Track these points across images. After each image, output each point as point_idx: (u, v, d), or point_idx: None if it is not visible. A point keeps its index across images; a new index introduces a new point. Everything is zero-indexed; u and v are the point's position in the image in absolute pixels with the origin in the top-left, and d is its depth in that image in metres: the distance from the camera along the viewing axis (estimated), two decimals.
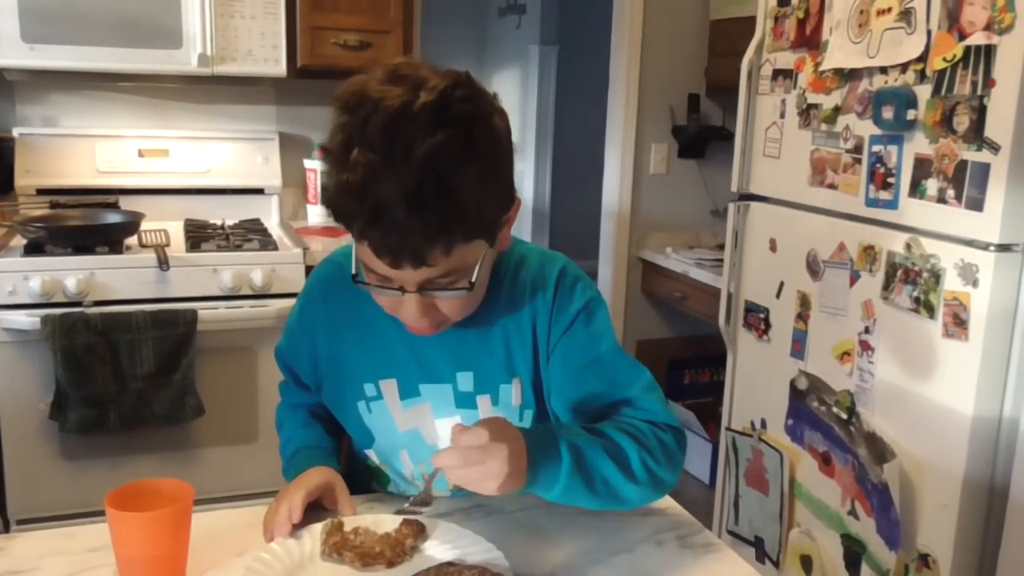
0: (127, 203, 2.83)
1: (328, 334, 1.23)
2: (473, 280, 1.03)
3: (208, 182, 2.99)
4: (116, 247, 2.48)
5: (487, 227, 1.02)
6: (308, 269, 2.57)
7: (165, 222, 2.81)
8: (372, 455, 1.27)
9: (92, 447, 2.42)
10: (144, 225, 2.61)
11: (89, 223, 2.62)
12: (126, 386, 2.37)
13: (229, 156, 3.01)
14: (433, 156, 0.91)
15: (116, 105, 2.96)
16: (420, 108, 0.92)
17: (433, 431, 1.21)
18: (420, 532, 1.09)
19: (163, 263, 2.41)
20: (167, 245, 2.54)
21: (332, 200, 0.97)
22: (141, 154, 2.91)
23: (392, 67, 0.97)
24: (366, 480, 1.32)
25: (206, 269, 2.48)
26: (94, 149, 2.87)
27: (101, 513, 0.98)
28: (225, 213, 3.01)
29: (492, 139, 0.98)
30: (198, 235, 2.70)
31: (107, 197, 2.84)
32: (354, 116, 0.94)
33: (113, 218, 2.66)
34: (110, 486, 1.00)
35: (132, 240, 2.57)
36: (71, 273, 2.35)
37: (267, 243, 2.64)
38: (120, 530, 0.98)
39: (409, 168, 0.90)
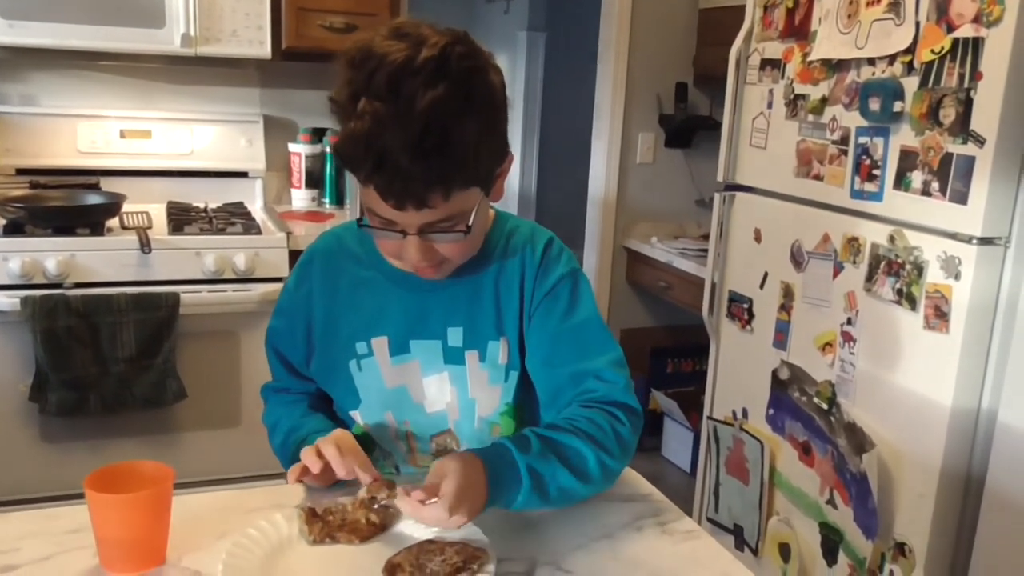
0: (108, 184, 2.80)
1: (324, 297, 1.27)
2: (469, 224, 1.09)
3: (191, 164, 2.97)
4: (97, 229, 2.46)
5: (484, 176, 1.09)
6: (292, 253, 2.56)
7: (147, 204, 2.79)
8: (357, 416, 1.28)
9: (72, 429, 2.41)
10: (126, 207, 2.59)
11: (70, 204, 2.59)
12: (107, 369, 2.35)
13: (212, 138, 2.99)
14: (435, 107, 0.97)
15: (98, 85, 2.93)
16: (422, 63, 0.98)
17: (420, 388, 1.24)
18: (391, 487, 1.09)
19: (145, 246, 2.39)
20: (149, 228, 2.52)
21: (340, 148, 1.03)
22: (123, 135, 2.88)
23: (395, 25, 1.04)
24: None
25: (189, 252, 2.47)
26: (75, 129, 2.84)
27: (81, 496, 0.98)
28: (208, 196, 2.98)
29: (489, 93, 1.04)
30: (181, 218, 2.67)
31: (88, 178, 2.81)
32: (360, 70, 1.00)
33: (94, 199, 2.63)
34: (90, 468, 0.99)
35: (113, 222, 2.55)
36: (51, 254, 2.32)
37: (250, 227, 2.63)
38: (100, 512, 0.97)
39: (412, 118, 0.97)
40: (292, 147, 3.08)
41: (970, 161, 1.74)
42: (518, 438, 1.10)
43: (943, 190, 1.81)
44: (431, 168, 0.99)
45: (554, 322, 1.20)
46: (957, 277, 1.79)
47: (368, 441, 1.29)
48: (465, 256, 1.17)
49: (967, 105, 1.74)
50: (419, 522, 1.04)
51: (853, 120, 2.03)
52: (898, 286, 1.91)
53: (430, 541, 1.04)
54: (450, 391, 1.24)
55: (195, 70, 2.98)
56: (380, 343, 1.23)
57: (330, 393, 1.31)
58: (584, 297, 1.23)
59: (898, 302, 1.91)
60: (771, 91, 2.33)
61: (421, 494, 0.99)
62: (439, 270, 1.16)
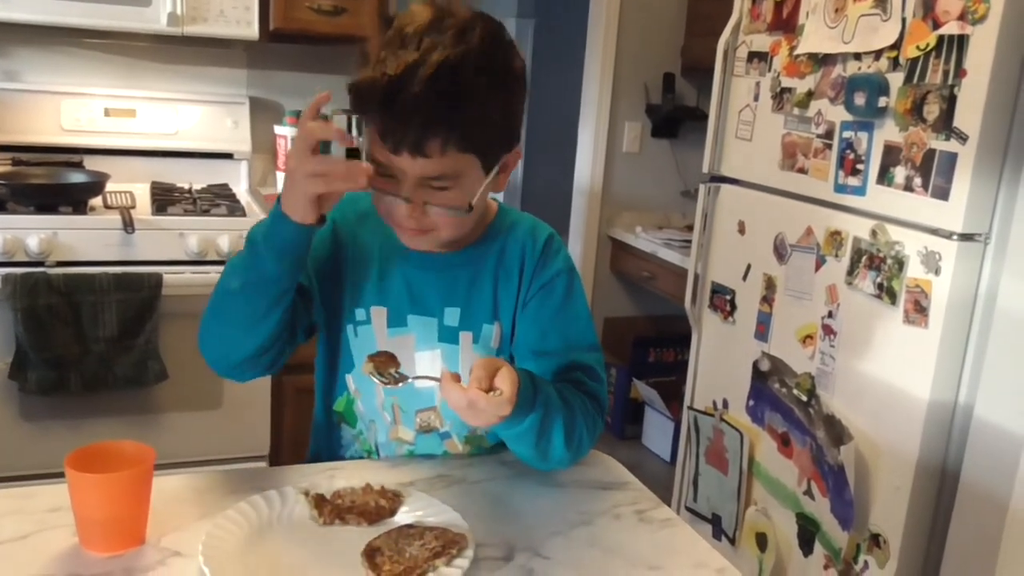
0: (92, 163, 2.78)
1: (347, 248, 1.27)
2: (472, 203, 1.11)
3: (176, 144, 2.94)
4: (80, 207, 2.44)
5: (485, 148, 1.10)
6: None
7: (131, 184, 2.77)
8: (349, 380, 1.29)
9: (52, 408, 2.40)
10: (109, 186, 2.57)
11: (53, 182, 2.57)
12: (88, 348, 2.34)
13: (198, 119, 2.97)
14: (451, 59, 1.03)
15: (82, 62, 2.90)
16: (447, 26, 1.06)
17: (411, 362, 1.26)
18: (396, 361, 1.12)
19: (128, 225, 2.37)
20: (132, 207, 2.50)
21: (354, 84, 1.07)
22: (107, 113, 2.86)
23: (432, 0, 1.11)
24: (333, 432, 1.34)
25: (172, 233, 2.45)
26: (59, 106, 2.81)
27: (61, 475, 0.98)
28: (193, 177, 2.97)
29: (507, 65, 1.10)
30: (165, 198, 2.66)
31: (72, 156, 2.79)
32: (391, 29, 1.07)
33: (77, 178, 2.61)
34: (70, 448, 0.99)
35: (97, 201, 2.53)
36: (33, 232, 2.30)
37: (235, 209, 2.61)
38: (79, 491, 0.97)
39: (427, 64, 1.02)
40: (278, 129, 3.07)
41: (952, 157, 1.76)
42: (542, 381, 1.13)
43: (925, 186, 1.82)
44: (433, 112, 1.02)
45: (547, 314, 1.24)
46: (937, 272, 1.80)
47: (351, 414, 1.31)
48: (454, 231, 1.16)
49: (951, 102, 1.75)
50: (464, 408, 1.01)
51: (838, 114, 2.04)
52: (879, 280, 1.93)
53: (409, 526, 1.05)
54: (441, 369, 1.25)
55: (181, 49, 2.95)
56: (379, 312, 1.25)
57: (325, 345, 1.31)
58: (578, 295, 1.27)
59: (878, 296, 1.93)
60: (758, 84, 2.34)
61: (476, 382, 1.00)
62: (427, 238, 1.16)
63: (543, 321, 1.24)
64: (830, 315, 2.07)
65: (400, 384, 1.11)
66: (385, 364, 1.11)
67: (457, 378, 1.01)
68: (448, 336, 1.25)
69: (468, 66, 1.04)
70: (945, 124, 1.77)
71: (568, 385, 1.21)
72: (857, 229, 1.99)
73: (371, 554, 0.99)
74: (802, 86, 2.16)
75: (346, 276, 1.27)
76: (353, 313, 1.26)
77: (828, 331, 2.08)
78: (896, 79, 1.88)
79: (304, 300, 1.23)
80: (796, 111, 2.18)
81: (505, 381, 1.01)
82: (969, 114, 1.72)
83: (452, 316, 1.25)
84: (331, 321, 1.28)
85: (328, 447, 1.35)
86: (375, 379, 1.11)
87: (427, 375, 1.16)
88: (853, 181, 2.01)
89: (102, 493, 0.97)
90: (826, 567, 2.09)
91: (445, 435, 1.29)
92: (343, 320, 1.27)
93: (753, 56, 2.36)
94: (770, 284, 2.29)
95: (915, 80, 1.83)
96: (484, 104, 1.06)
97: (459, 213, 1.12)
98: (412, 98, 1.02)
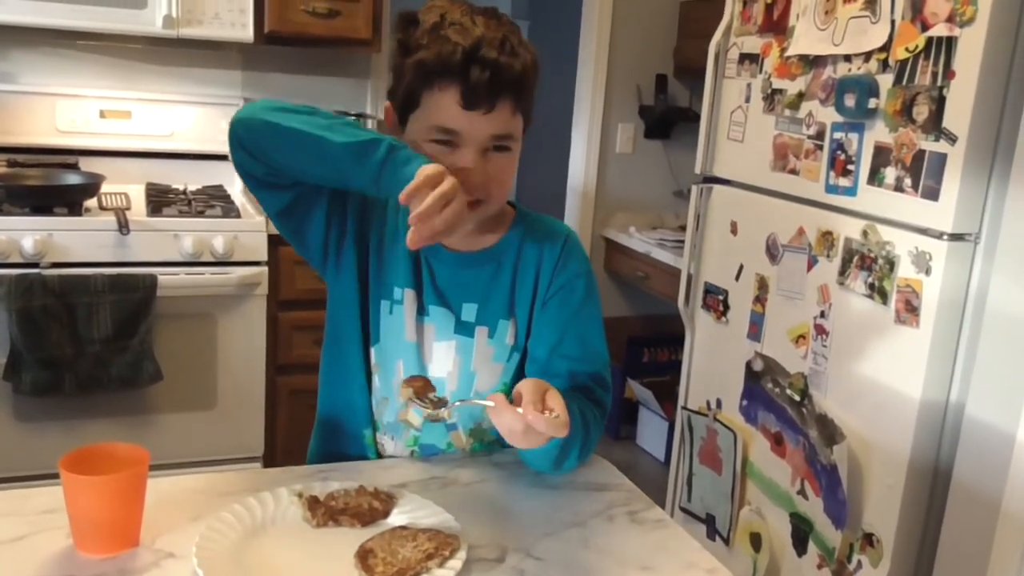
0: (87, 164, 2.78)
1: (392, 222, 1.30)
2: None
3: (171, 146, 2.95)
4: (75, 209, 2.44)
5: (529, 112, 1.22)
6: (271, 237, 2.56)
7: (126, 185, 2.78)
8: (373, 353, 1.32)
9: (47, 409, 2.40)
10: (104, 188, 2.57)
11: (48, 183, 2.58)
12: (83, 349, 2.35)
13: (193, 120, 2.97)
14: (508, 36, 1.16)
15: (78, 64, 2.91)
16: (480, 11, 1.18)
17: (431, 351, 1.30)
18: (431, 386, 1.15)
19: (123, 227, 2.38)
20: (128, 209, 2.51)
21: (420, 59, 1.15)
22: (103, 115, 2.86)
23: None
24: (344, 416, 1.35)
25: (167, 234, 2.46)
26: (54, 108, 2.81)
27: (55, 476, 0.98)
28: (187, 178, 2.97)
29: (532, 48, 1.21)
30: (160, 199, 2.66)
31: (67, 158, 2.79)
32: (427, 16, 1.18)
33: (73, 179, 2.62)
34: (65, 449, 1.00)
35: (92, 202, 2.54)
36: (28, 234, 2.31)
37: (230, 210, 2.62)
38: (74, 493, 0.98)
39: (492, 28, 1.16)
40: None
41: (942, 158, 1.77)
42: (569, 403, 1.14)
43: (915, 186, 1.83)
44: (506, 75, 1.14)
45: (567, 314, 1.28)
46: (928, 272, 1.82)
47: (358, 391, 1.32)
48: (501, 200, 1.24)
49: (940, 103, 1.77)
50: (519, 432, 1.01)
51: (829, 116, 2.05)
52: (870, 280, 1.94)
53: (403, 527, 1.06)
54: (454, 360, 1.29)
55: (177, 52, 2.96)
56: (410, 295, 1.29)
57: (346, 318, 1.32)
58: (595, 296, 1.32)
59: (870, 296, 1.94)
60: (749, 85, 2.35)
61: (531, 406, 1.00)
62: (474, 213, 1.17)
63: (562, 322, 1.28)
64: (822, 315, 2.08)
65: (442, 409, 1.12)
66: (423, 389, 1.14)
67: (506, 401, 1.02)
68: (464, 330, 1.29)
69: (517, 43, 1.17)
70: (934, 125, 1.78)
71: (581, 395, 1.24)
72: (848, 229, 2.00)
73: (364, 556, 1.00)
74: (793, 87, 2.17)
75: (386, 248, 1.29)
76: (391, 290, 1.29)
77: (820, 331, 2.09)
78: (886, 80, 1.89)
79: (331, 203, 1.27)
80: (787, 112, 2.19)
81: (558, 403, 1.02)
82: (958, 115, 1.73)
83: (469, 311, 1.29)
84: (361, 290, 1.30)
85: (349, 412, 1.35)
86: (417, 405, 1.12)
87: (473, 401, 1.22)
88: (844, 182, 2.02)
89: (96, 495, 0.98)
90: (820, 567, 2.10)
91: (452, 427, 1.32)
92: (378, 292, 1.29)
93: (744, 58, 2.37)
94: (762, 284, 2.30)
95: (904, 82, 1.84)
96: (533, 76, 1.19)
97: (510, 154, 1.21)
98: (491, 62, 1.13)
